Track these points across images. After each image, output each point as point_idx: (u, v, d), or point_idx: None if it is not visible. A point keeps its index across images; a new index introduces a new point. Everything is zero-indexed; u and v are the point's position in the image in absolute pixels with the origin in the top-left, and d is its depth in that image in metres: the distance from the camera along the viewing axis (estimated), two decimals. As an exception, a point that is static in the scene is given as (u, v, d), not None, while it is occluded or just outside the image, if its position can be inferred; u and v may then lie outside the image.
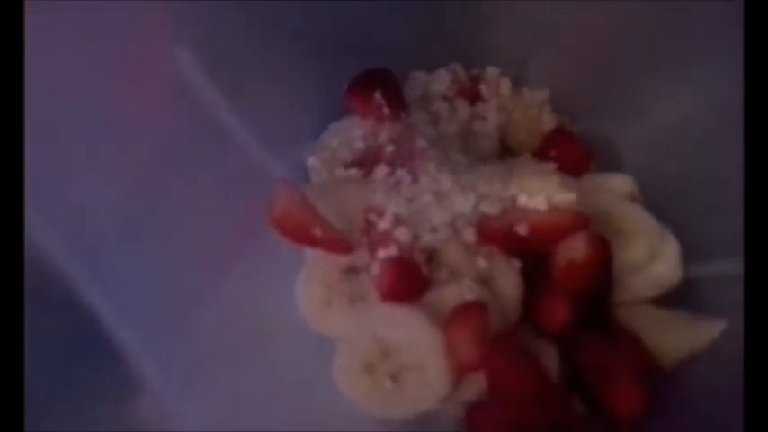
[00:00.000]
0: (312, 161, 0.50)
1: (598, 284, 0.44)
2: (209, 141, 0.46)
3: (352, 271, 0.44)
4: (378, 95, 0.49)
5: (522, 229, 0.44)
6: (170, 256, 0.44)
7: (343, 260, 0.44)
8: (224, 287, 0.45)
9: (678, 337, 0.44)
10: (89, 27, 0.40)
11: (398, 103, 0.49)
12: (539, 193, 0.44)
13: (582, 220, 0.44)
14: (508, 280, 0.43)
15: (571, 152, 0.52)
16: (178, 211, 0.45)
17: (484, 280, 0.43)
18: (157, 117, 0.44)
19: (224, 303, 0.44)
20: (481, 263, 0.43)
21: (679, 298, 0.46)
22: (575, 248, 0.43)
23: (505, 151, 0.54)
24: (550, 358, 0.42)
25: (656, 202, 0.49)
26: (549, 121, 0.55)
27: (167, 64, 0.44)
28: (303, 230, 0.44)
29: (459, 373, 0.41)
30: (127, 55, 0.42)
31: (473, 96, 0.55)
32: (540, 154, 0.52)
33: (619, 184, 0.50)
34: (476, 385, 0.41)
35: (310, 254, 0.45)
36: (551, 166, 0.47)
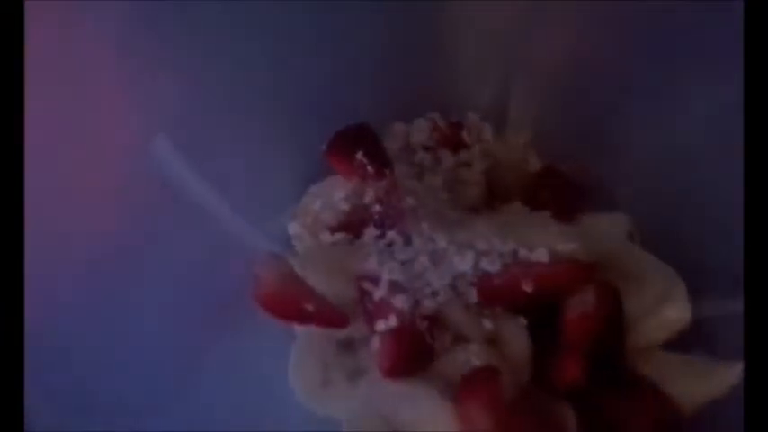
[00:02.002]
0: (294, 228, 0.47)
1: (611, 335, 0.42)
2: (187, 218, 0.44)
3: (349, 345, 0.42)
4: (360, 153, 0.46)
5: (526, 286, 0.41)
6: (151, 338, 0.41)
7: (339, 334, 0.42)
8: (207, 370, 0.42)
9: (697, 384, 0.41)
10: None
11: (381, 159, 0.47)
12: (539, 246, 0.42)
13: (588, 271, 0.42)
14: (516, 340, 0.41)
15: (563, 192, 0.50)
16: (158, 290, 0.42)
17: (490, 342, 0.41)
18: (134, 200, 0.42)
19: (207, 388, 0.42)
20: (487, 324, 0.41)
21: (693, 339, 0.44)
22: (585, 301, 0.41)
23: (494, 197, 0.52)
24: (568, 418, 0.40)
25: (655, 237, 0.47)
26: (535, 163, 0.53)
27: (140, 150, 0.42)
28: (294, 306, 0.41)
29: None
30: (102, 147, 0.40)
31: (455, 144, 0.53)
32: (531, 197, 0.50)
33: (616, 224, 0.48)
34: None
35: (302, 330, 0.43)
36: (547, 214, 0.45)
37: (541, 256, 0.42)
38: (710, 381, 0.41)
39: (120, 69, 0.42)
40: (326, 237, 0.46)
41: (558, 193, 0.50)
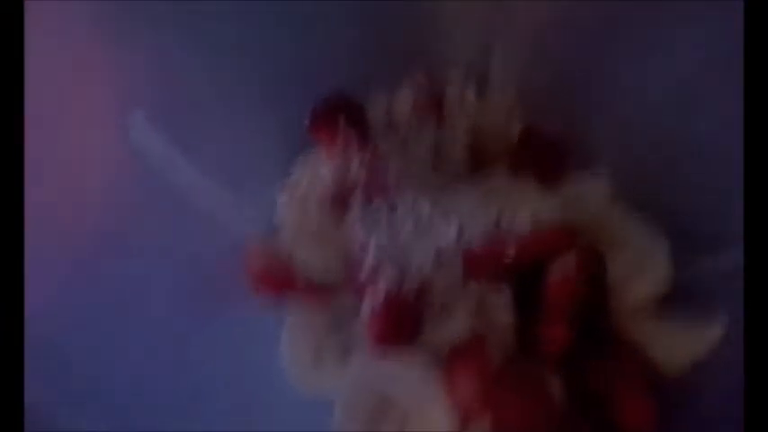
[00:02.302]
0: (283, 201, 0.47)
1: (594, 299, 0.43)
2: (173, 199, 0.44)
3: (339, 323, 0.43)
4: (342, 124, 0.46)
5: (509, 253, 0.42)
6: (141, 324, 0.42)
7: (330, 310, 0.42)
8: (200, 354, 0.43)
9: (679, 347, 0.42)
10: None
11: (365, 130, 0.47)
12: (521, 213, 0.43)
13: (570, 237, 0.42)
14: (501, 309, 0.42)
15: (546, 153, 0.50)
16: (145, 272, 0.43)
17: (477, 311, 0.42)
18: (116, 181, 0.42)
19: (201, 372, 0.42)
20: (472, 294, 0.42)
21: (677, 299, 0.45)
22: (567, 265, 0.42)
23: (477, 161, 0.52)
24: (554, 384, 0.41)
25: (640, 195, 0.48)
26: (517, 125, 0.53)
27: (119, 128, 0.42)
28: (284, 283, 0.42)
29: (465, 413, 0.39)
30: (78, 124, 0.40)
31: (438, 110, 0.52)
32: (515, 159, 0.50)
33: (598, 188, 0.48)
34: (483, 422, 0.39)
35: (293, 308, 0.43)
36: (529, 179, 0.46)
37: (523, 223, 0.43)
38: (691, 342, 0.42)
39: (103, 51, 0.42)
40: (314, 210, 0.46)
41: (540, 155, 0.50)
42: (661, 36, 0.47)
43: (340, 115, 0.47)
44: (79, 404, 0.37)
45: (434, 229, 0.43)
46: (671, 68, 0.47)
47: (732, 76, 0.38)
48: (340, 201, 0.46)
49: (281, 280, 0.42)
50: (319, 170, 0.47)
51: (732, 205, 0.38)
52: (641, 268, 0.45)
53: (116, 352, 0.40)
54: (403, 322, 0.41)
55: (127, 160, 0.43)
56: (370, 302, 0.41)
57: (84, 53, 0.41)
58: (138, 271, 0.42)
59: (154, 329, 0.41)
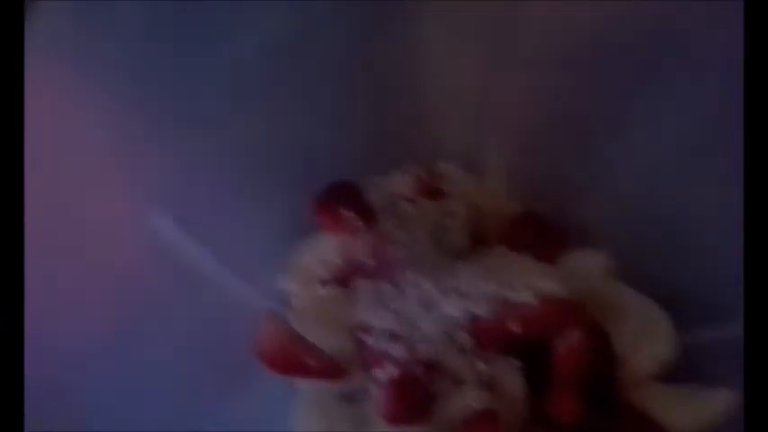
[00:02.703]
0: (289, 283, 0.48)
1: (601, 368, 0.43)
2: (183, 285, 0.45)
3: (351, 397, 0.43)
4: (347, 210, 0.48)
5: (515, 327, 0.43)
6: (155, 404, 0.42)
7: (340, 386, 0.43)
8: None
9: (689, 413, 0.43)
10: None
11: (368, 213, 0.49)
12: (523, 288, 0.44)
13: (571, 308, 0.43)
14: (511, 381, 0.42)
15: (542, 234, 0.51)
16: (159, 356, 0.43)
17: (487, 384, 0.42)
18: (132, 265, 0.43)
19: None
20: (481, 367, 0.42)
21: (684, 366, 0.45)
22: (572, 337, 0.42)
23: (477, 242, 0.54)
24: (568, 454, 0.41)
25: (639, 272, 0.49)
26: (514, 207, 0.55)
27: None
28: (293, 361, 0.42)
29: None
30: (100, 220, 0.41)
31: (436, 193, 0.54)
32: (513, 240, 0.51)
33: (596, 261, 0.49)
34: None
35: (303, 385, 0.43)
36: (528, 256, 0.47)
37: (527, 297, 0.43)
38: (701, 408, 0.43)
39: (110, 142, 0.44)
40: (320, 290, 0.47)
41: (538, 235, 0.51)
42: (648, 107, 0.49)
43: (344, 200, 0.48)
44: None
45: (439, 305, 0.44)
46: (660, 140, 0.49)
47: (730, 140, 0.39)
48: (345, 281, 0.47)
49: (292, 359, 0.42)
50: (324, 251, 0.48)
51: (731, 275, 0.39)
52: (645, 339, 0.45)
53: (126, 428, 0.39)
54: (414, 399, 0.41)
55: (144, 247, 0.43)
56: (380, 381, 0.42)
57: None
58: (152, 354, 0.42)
59: (168, 411, 0.41)
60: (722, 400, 0.42)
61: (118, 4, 0.43)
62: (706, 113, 0.46)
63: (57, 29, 0.41)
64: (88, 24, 0.43)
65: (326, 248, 0.49)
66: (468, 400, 0.41)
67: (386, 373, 0.41)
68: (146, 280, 0.43)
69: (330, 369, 0.42)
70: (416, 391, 0.41)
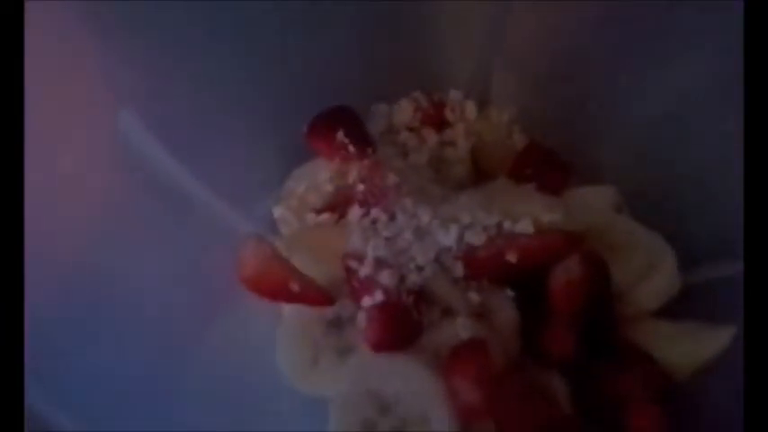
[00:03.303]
0: (279, 211, 0.47)
1: (598, 303, 0.41)
2: (169, 204, 0.44)
3: (336, 323, 0.42)
4: (341, 134, 0.46)
5: (511, 257, 0.41)
6: (139, 327, 0.41)
7: (326, 313, 0.42)
8: (198, 356, 0.42)
9: (688, 350, 0.41)
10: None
11: (364, 140, 0.47)
12: (523, 217, 0.42)
13: (573, 240, 0.41)
14: (504, 312, 0.41)
15: (548, 168, 0.50)
16: (144, 280, 0.42)
17: (478, 315, 0.41)
18: (110, 186, 0.42)
19: (199, 374, 0.41)
20: (473, 297, 0.41)
21: (683, 306, 0.44)
22: (570, 269, 0.41)
23: (480, 174, 0.52)
24: (560, 390, 0.40)
25: (642, 207, 0.47)
26: (520, 140, 0.53)
27: (113, 130, 0.42)
28: (279, 286, 0.41)
29: (466, 418, 0.38)
30: (71, 124, 0.40)
31: (439, 123, 0.53)
32: (517, 173, 0.50)
33: (602, 196, 0.48)
34: (485, 426, 0.38)
35: (289, 310, 0.43)
36: (531, 186, 0.45)
37: (526, 227, 0.42)
38: (700, 345, 0.41)
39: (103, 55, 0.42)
40: (312, 218, 0.46)
41: (543, 169, 0.49)
42: (660, 52, 0.47)
43: (339, 126, 0.47)
44: (78, 405, 0.36)
45: (434, 233, 0.42)
46: (670, 84, 0.47)
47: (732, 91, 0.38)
48: (338, 209, 0.46)
49: (275, 282, 0.41)
50: (317, 179, 0.47)
51: (731, 215, 0.37)
52: (648, 273, 0.43)
53: (113, 353, 0.39)
54: (400, 327, 0.40)
55: (126, 165, 0.42)
56: (367, 309, 0.40)
57: (84, 56, 0.41)
58: (135, 272, 0.41)
59: (151, 330, 0.40)
60: (720, 337, 0.40)
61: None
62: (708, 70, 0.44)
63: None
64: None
65: (320, 175, 0.47)
66: (457, 328, 0.40)
67: (373, 300, 0.40)
68: (129, 199, 0.42)
69: (317, 295, 0.41)
70: (403, 319, 0.40)
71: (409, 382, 0.38)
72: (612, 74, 0.50)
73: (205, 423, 0.39)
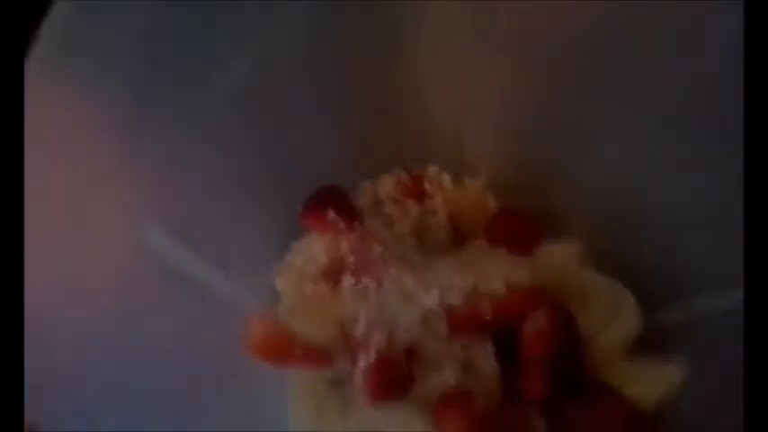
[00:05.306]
0: (280, 283, 0.52)
1: (567, 349, 0.47)
2: (175, 290, 0.48)
3: (337, 382, 0.47)
4: (331, 212, 0.52)
5: (486, 314, 0.46)
6: (152, 404, 0.45)
7: (327, 373, 0.47)
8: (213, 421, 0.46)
9: (651, 385, 0.46)
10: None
11: (351, 215, 0.52)
12: (495, 278, 0.47)
13: (538, 296, 0.47)
14: (485, 363, 0.46)
15: (518, 229, 0.55)
16: (155, 359, 0.46)
17: (463, 367, 0.46)
18: (123, 267, 0.46)
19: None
20: (457, 351, 0.46)
21: (643, 344, 0.49)
22: (537, 321, 0.46)
23: (459, 236, 0.57)
24: (538, 428, 0.45)
25: (611, 257, 0.52)
26: (493, 203, 0.58)
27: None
28: (283, 352, 0.46)
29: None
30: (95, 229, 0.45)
31: (419, 194, 0.57)
32: (490, 236, 0.55)
33: (569, 251, 0.53)
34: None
35: (294, 373, 0.48)
36: (503, 249, 0.51)
37: (497, 286, 0.47)
38: (663, 380, 0.46)
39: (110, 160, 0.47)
40: (309, 287, 0.51)
41: (514, 231, 0.54)
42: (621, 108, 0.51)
43: (329, 203, 0.52)
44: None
45: (418, 296, 0.47)
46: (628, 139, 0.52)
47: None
48: (332, 278, 0.51)
49: (280, 349, 0.46)
50: (313, 251, 0.52)
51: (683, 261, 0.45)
52: (610, 319, 0.49)
53: (129, 424, 0.43)
54: (393, 381, 0.45)
55: (136, 251, 0.47)
56: (363, 368, 0.45)
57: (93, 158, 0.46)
58: (144, 352, 0.45)
59: (164, 407, 0.44)
60: (679, 372, 0.46)
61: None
62: (671, 114, 0.49)
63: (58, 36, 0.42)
64: (93, 22, 0.44)
65: (315, 248, 0.52)
66: (444, 379, 0.45)
67: (368, 358, 0.45)
68: (139, 283, 0.46)
69: (317, 357, 0.46)
70: (395, 374, 0.45)
71: (404, 424, 0.43)
72: (577, 135, 0.54)
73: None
